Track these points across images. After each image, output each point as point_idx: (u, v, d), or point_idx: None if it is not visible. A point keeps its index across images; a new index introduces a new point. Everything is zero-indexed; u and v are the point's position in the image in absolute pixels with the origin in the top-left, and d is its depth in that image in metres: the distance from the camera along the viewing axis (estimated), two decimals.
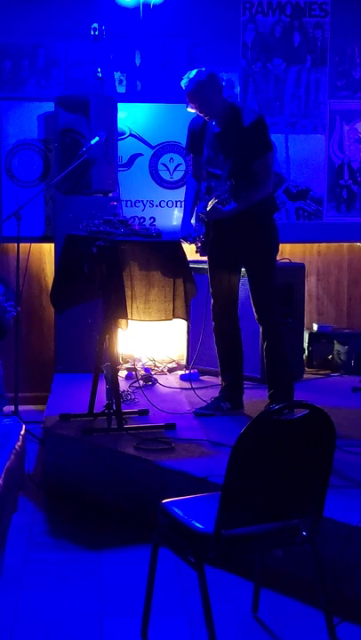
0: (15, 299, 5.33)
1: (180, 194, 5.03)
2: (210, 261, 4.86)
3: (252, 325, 4.98)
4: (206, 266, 4.92)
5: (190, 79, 4.53)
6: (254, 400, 4.97)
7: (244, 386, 4.98)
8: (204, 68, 4.61)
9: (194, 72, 4.56)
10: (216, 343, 4.96)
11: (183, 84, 4.56)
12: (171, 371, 6.03)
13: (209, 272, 4.88)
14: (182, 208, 6.07)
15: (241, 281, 4.92)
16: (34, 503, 4.39)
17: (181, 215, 5.02)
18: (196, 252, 4.85)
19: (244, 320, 4.97)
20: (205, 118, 4.66)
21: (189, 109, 4.63)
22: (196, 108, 4.60)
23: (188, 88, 4.54)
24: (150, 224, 6.13)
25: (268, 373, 4.84)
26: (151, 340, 6.15)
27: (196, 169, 4.86)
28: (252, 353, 5.35)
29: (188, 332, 5.94)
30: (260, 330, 4.86)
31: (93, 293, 4.64)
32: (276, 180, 5.85)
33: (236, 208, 4.56)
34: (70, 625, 3.22)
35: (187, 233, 4.81)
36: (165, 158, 6.31)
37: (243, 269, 4.86)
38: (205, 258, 4.89)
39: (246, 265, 4.80)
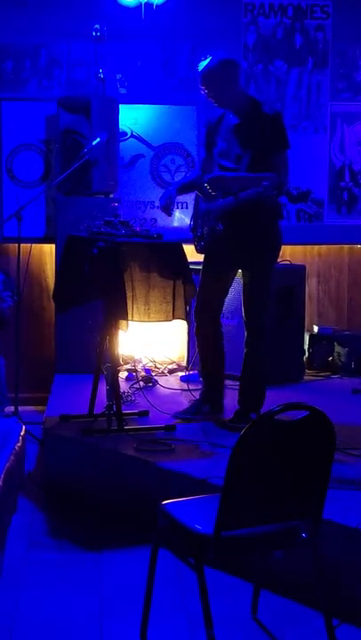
0: (14, 289, 5.32)
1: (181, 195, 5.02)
2: (206, 261, 4.75)
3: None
4: None
5: (204, 63, 4.49)
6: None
7: (233, 386, 4.93)
8: (222, 54, 4.54)
9: (210, 57, 4.50)
10: (198, 345, 4.88)
11: (199, 66, 4.53)
12: (171, 372, 6.02)
13: (202, 271, 4.76)
14: (183, 209, 6.10)
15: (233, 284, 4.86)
16: (34, 504, 4.39)
17: (182, 216, 4.98)
18: (197, 250, 4.78)
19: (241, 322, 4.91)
20: (216, 105, 4.59)
21: (203, 92, 4.57)
22: (205, 93, 4.54)
23: (200, 72, 4.51)
24: (151, 225, 6.15)
25: (242, 380, 4.72)
26: (152, 342, 6.15)
27: (207, 163, 4.74)
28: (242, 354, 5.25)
29: (188, 334, 5.94)
30: (245, 335, 4.71)
31: (94, 294, 4.64)
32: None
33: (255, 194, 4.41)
34: (70, 625, 3.22)
35: (168, 195, 4.72)
36: (167, 159, 6.32)
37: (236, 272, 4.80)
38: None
39: (244, 268, 4.72)
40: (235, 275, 4.83)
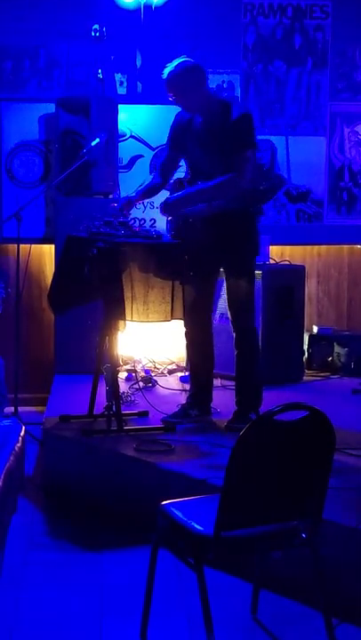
0: (7, 281, 5.32)
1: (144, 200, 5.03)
2: (188, 263, 4.66)
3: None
4: None
5: (168, 70, 4.42)
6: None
7: (232, 387, 4.90)
8: (186, 59, 4.46)
9: (174, 63, 4.44)
10: (188, 347, 4.88)
11: (163, 72, 4.46)
12: (171, 372, 6.03)
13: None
14: None
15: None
16: (33, 504, 4.39)
17: None
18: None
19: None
20: (186, 111, 4.54)
21: (170, 99, 4.52)
22: (173, 100, 4.48)
23: (165, 78, 4.43)
24: (150, 226, 6.15)
25: (238, 381, 4.70)
26: (151, 342, 6.15)
27: (167, 164, 4.74)
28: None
29: None
30: (234, 336, 4.69)
31: (93, 295, 4.64)
32: (276, 181, 5.85)
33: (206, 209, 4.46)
34: (70, 625, 3.22)
35: (126, 199, 4.72)
36: None
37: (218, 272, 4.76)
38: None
39: (225, 268, 4.68)
40: (218, 275, 4.78)
